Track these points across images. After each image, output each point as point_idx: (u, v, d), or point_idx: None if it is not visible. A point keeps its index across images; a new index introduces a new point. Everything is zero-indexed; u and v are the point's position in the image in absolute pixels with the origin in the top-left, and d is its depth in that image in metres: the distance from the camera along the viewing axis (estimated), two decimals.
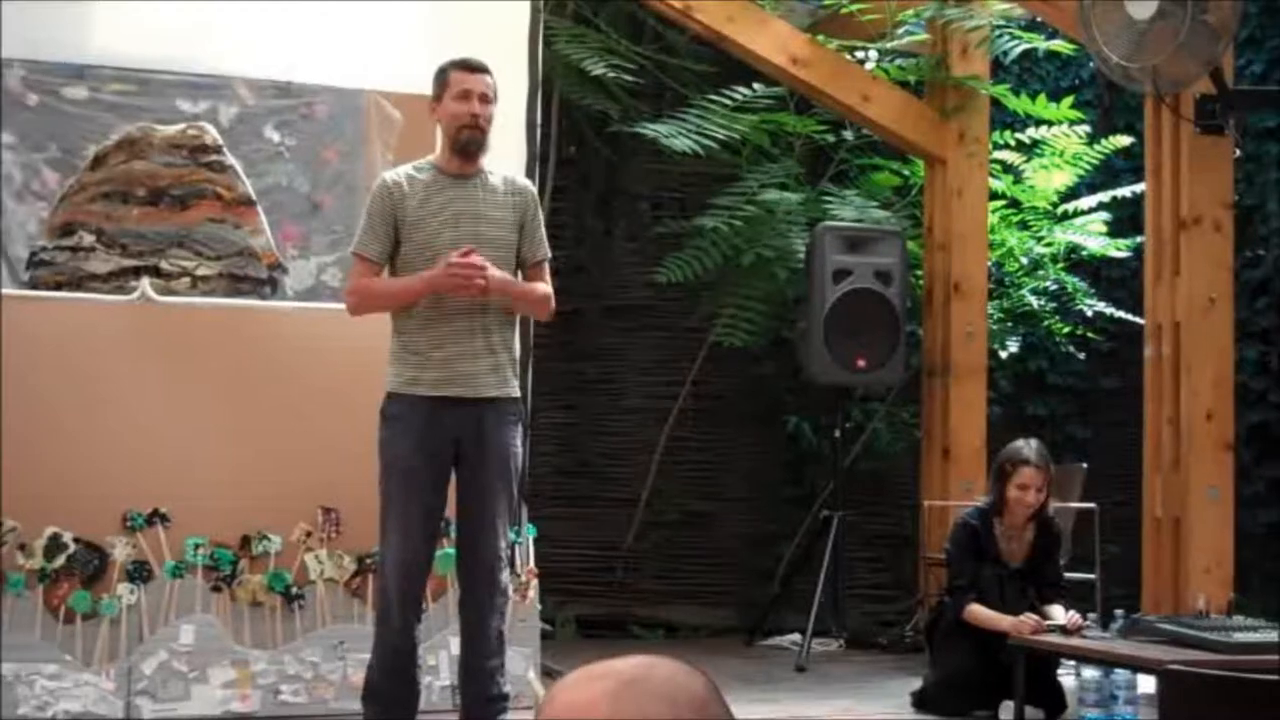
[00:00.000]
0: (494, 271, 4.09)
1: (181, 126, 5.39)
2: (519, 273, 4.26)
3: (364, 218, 4.25)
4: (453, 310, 4.10)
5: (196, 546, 4.91)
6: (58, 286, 5.09)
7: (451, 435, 4.10)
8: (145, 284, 5.06)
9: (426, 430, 4.08)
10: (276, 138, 5.86)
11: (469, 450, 4.12)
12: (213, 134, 5.39)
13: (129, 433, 4.93)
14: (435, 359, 4.10)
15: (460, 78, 4.19)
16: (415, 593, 4.14)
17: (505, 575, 4.22)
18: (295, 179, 5.88)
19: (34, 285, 5.11)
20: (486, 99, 4.19)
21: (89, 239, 5.17)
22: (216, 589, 4.91)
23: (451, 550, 5.10)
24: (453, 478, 4.19)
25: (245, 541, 4.98)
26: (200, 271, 5.22)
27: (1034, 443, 5.39)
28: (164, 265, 5.19)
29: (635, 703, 1.33)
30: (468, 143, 4.17)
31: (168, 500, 4.92)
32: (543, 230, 4.32)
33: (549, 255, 4.34)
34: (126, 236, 5.22)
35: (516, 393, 4.25)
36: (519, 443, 4.26)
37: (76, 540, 4.82)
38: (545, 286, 4.28)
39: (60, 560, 4.78)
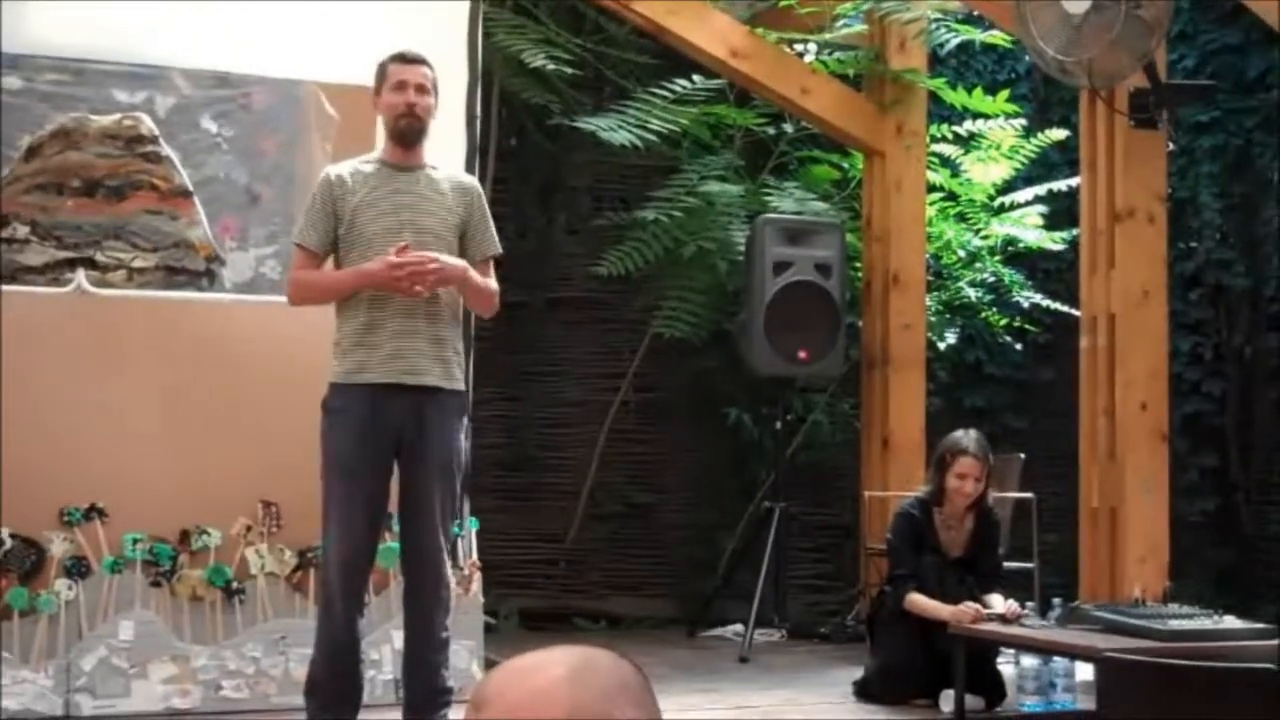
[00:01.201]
0: (452, 260, 4.11)
1: (117, 117, 5.33)
2: None
3: (305, 208, 4.28)
4: (396, 301, 4.09)
5: (135, 541, 4.87)
6: None
7: (393, 427, 4.08)
8: (81, 276, 5.01)
9: (368, 422, 4.06)
10: (214, 128, 5.81)
11: (410, 442, 4.11)
12: (149, 124, 5.34)
13: (65, 427, 4.88)
14: (380, 348, 4.09)
15: (396, 69, 4.24)
16: (358, 586, 4.13)
17: (448, 569, 4.21)
18: (233, 170, 5.82)
19: None
20: (424, 89, 4.23)
21: (23, 231, 5.10)
22: (156, 584, 4.87)
23: (395, 544, 5.09)
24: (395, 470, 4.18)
25: (184, 536, 4.94)
26: (137, 264, 5.17)
27: (974, 433, 5.43)
28: (100, 257, 5.14)
29: (594, 687, 1.34)
30: (405, 131, 4.21)
31: (105, 495, 4.87)
32: (492, 228, 4.33)
33: (499, 252, 4.35)
34: (61, 228, 5.16)
35: (461, 386, 4.25)
36: (461, 436, 4.25)
37: (13, 536, 4.76)
38: (493, 283, 4.30)
39: None
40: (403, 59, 4.26)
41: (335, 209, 4.17)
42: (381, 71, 4.28)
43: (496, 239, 4.34)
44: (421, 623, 4.14)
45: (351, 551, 4.08)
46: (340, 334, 4.16)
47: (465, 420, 4.29)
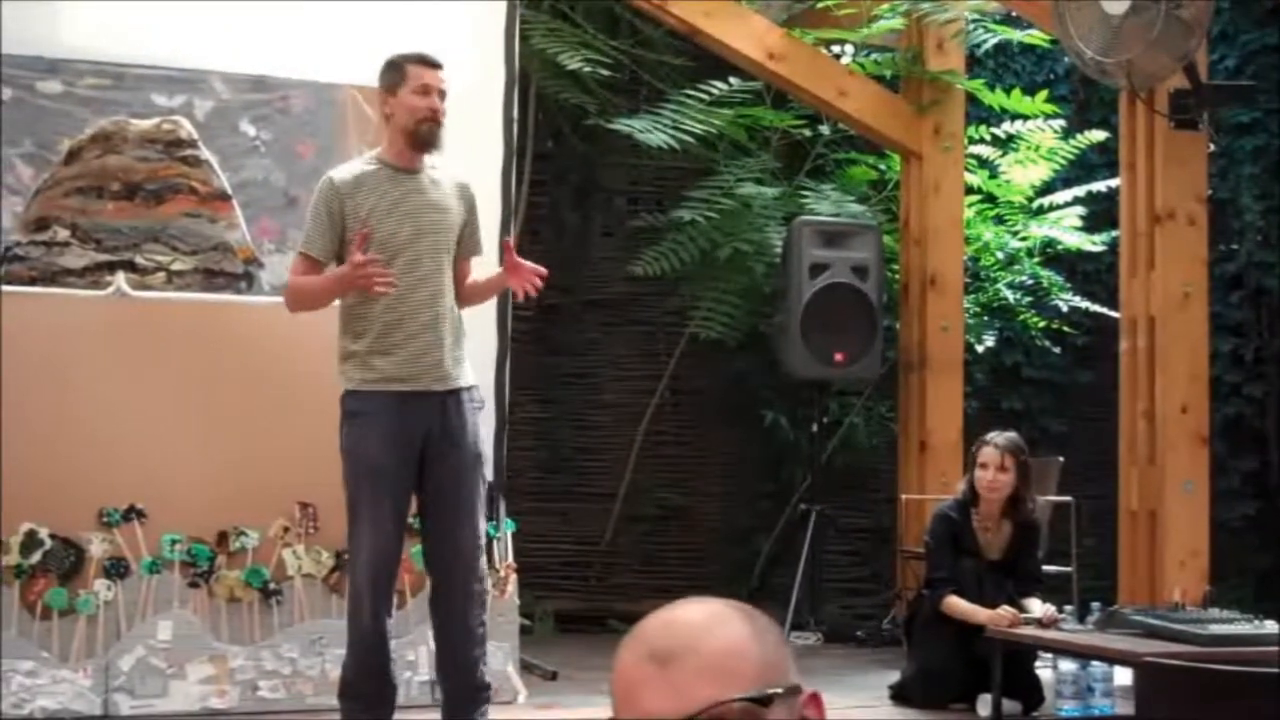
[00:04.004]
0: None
1: (156, 121, 5.36)
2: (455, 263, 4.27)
3: (309, 215, 4.19)
4: (413, 304, 4.09)
5: (173, 542, 4.89)
6: (32, 282, 5.06)
7: (418, 429, 4.06)
8: (120, 279, 5.04)
9: (393, 425, 4.05)
10: (252, 132, 5.84)
11: (436, 441, 4.09)
12: (188, 128, 5.37)
13: (105, 429, 4.91)
14: (399, 353, 4.07)
15: (419, 72, 4.16)
16: (387, 588, 4.11)
17: (482, 562, 4.20)
18: (271, 173, 5.85)
19: (8, 281, 5.08)
20: (444, 95, 4.19)
21: (63, 234, 5.14)
22: (194, 585, 4.90)
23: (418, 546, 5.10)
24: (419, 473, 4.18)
25: (222, 537, 4.96)
26: (175, 266, 5.20)
27: (1007, 432, 5.40)
28: (139, 260, 5.17)
29: (770, 639, 1.36)
30: (427, 136, 4.15)
31: (144, 496, 4.90)
32: (478, 226, 4.33)
33: (481, 251, 4.37)
34: (101, 231, 5.19)
35: (474, 379, 4.23)
36: (482, 428, 4.26)
37: (53, 537, 4.79)
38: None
39: (36, 557, 4.75)
40: (425, 62, 4.18)
41: (342, 214, 4.12)
42: (399, 71, 4.18)
43: (481, 240, 4.35)
44: (460, 620, 4.11)
45: (382, 551, 4.06)
46: (354, 342, 4.13)
47: (484, 413, 4.31)
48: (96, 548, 4.82)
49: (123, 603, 4.80)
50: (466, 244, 4.26)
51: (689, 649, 1.32)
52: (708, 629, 1.33)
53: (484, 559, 4.23)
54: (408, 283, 4.06)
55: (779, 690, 1.32)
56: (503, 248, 4.08)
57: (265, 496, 5.00)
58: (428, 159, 4.23)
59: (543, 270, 4.21)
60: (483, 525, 4.20)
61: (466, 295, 4.28)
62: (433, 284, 4.11)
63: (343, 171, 4.20)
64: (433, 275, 4.11)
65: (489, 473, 4.26)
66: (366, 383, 4.09)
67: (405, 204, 4.12)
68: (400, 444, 4.06)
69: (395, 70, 4.18)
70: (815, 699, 1.37)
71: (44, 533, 4.78)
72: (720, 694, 1.29)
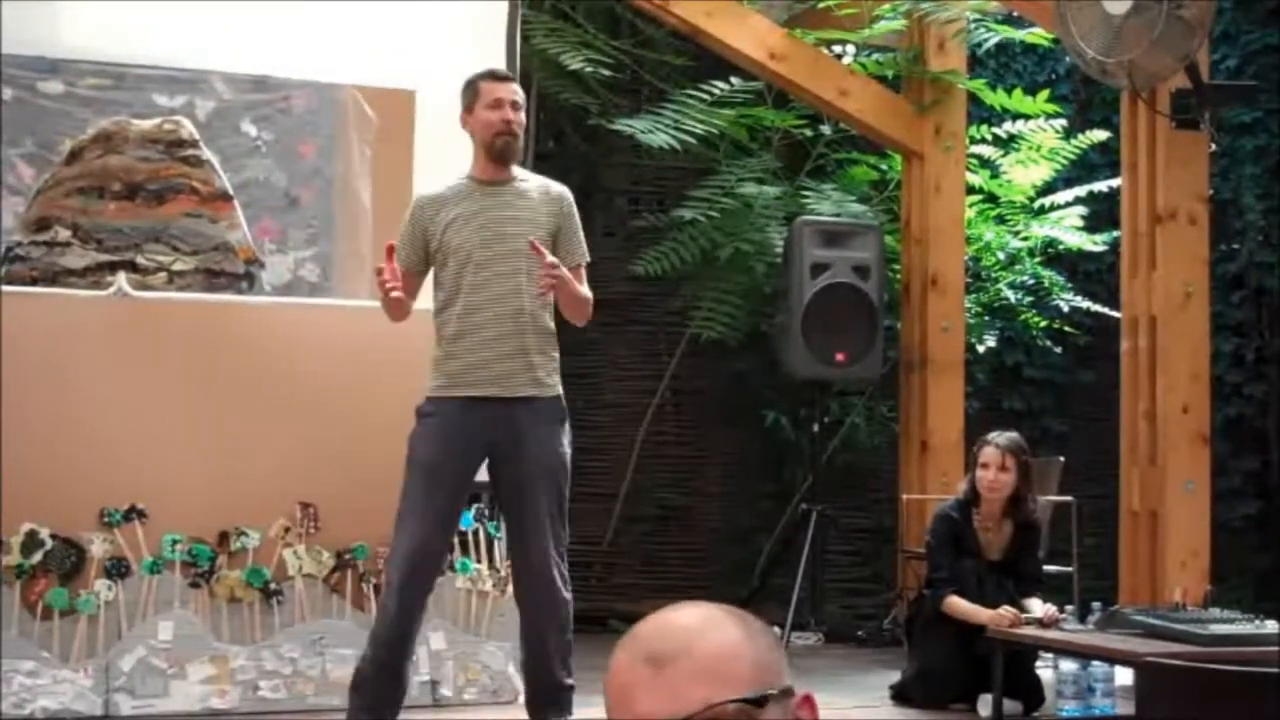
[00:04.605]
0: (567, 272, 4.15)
1: (157, 121, 5.36)
2: None
3: (400, 231, 4.34)
4: (487, 313, 4.15)
5: (174, 543, 4.89)
6: (33, 282, 5.06)
7: (484, 436, 4.13)
8: (121, 279, 5.04)
9: (457, 429, 4.13)
10: (253, 132, 5.84)
11: (507, 451, 4.15)
12: (189, 128, 5.37)
13: (106, 429, 4.91)
14: (467, 360, 4.15)
15: (491, 87, 4.28)
16: (421, 585, 4.13)
17: (558, 570, 4.18)
18: (272, 173, 5.86)
19: (9, 281, 5.08)
20: (517, 105, 4.29)
21: (65, 234, 5.14)
22: (195, 585, 4.90)
23: None
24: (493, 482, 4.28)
25: (223, 537, 4.96)
26: (177, 266, 5.20)
27: (1008, 432, 5.40)
28: (140, 260, 5.17)
29: (763, 640, 1.37)
30: (503, 148, 4.24)
31: (145, 496, 4.90)
32: (580, 235, 4.36)
33: (587, 259, 4.37)
34: (102, 231, 5.19)
35: (556, 391, 4.25)
36: (564, 441, 4.25)
37: (53, 537, 4.79)
38: (584, 290, 4.30)
39: (37, 557, 4.75)
40: (495, 76, 4.33)
41: (424, 228, 4.24)
42: (473, 89, 4.29)
43: (583, 246, 4.36)
44: (532, 625, 4.19)
45: (420, 548, 4.10)
46: (435, 348, 4.23)
47: (566, 425, 4.28)
48: (97, 548, 4.82)
49: (123, 603, 4.80)
50: (563, 253, 4.25)
51: (683, 651, 1.33)
52: (701, 632, 1.34)
53: (557, 567, 4.19)
54: (481, 292, 4.15)
55: (773, 691, 1.32)
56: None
57: (266, 496, 5.00)
58: (518, 170, 4.34)
59: (553, 262, 4.13)
60: (554, 535, 4.19)
61: (560, 305, 4.30)
62: (506, 294, 4.15)
63: (429, 189, 4.35)
64: (505, 285, 4.16)
65: (563, 480, 4.23)
66: (438, 388, 4.17)
67: (482, 216, 4.21)
68: (459, 447, 4.13)
69: (469, 89, 4.31)
70: (809, 700, 1.38)
71: (45, 533, 4.78)
72: (714, 696, 1.30)
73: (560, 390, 4.28)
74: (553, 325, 4.29)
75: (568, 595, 4.21)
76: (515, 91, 4.30)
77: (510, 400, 4.14)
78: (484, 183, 4.26)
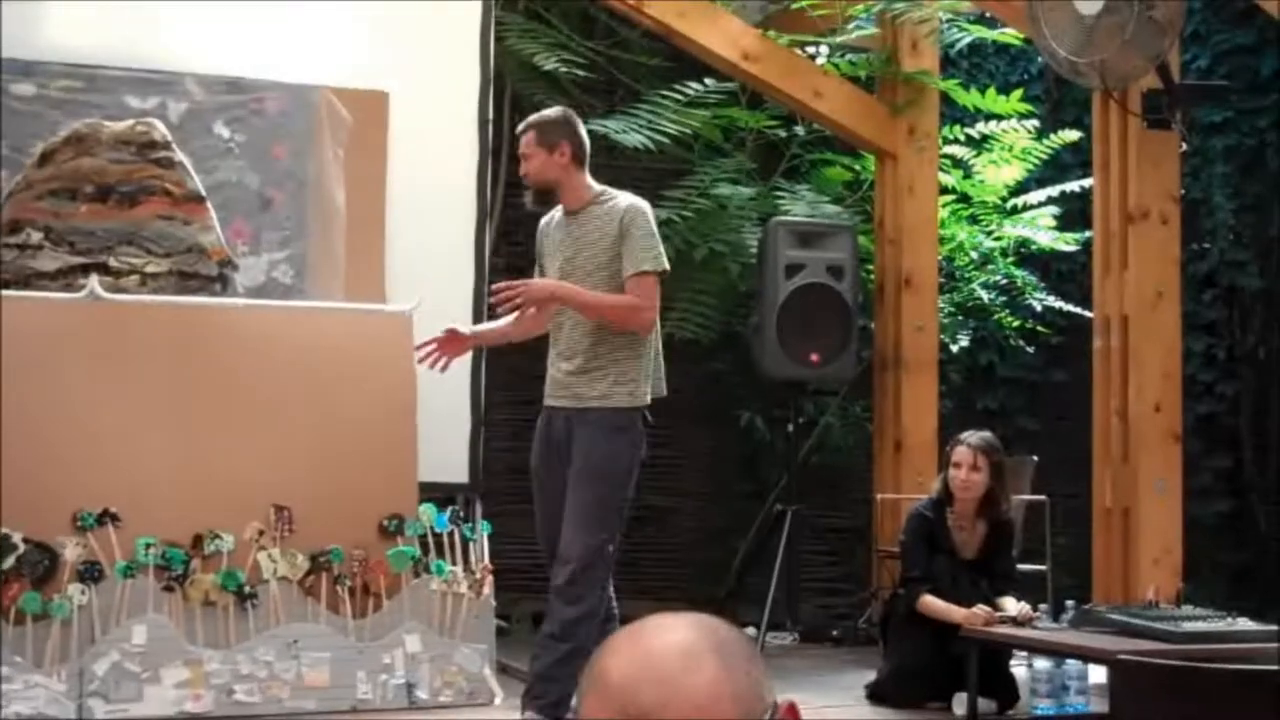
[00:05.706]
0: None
1: (130, 123, 5.34)
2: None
3: None
4: (555, 331, 4.58)
5: (148, 546, 4.87)
6: (5, 285, 5.04)
7: (555, 440, 4.51)
8: (94, 282, 5.02)
9: (542, 435, 4.58)
10: (226, 134, 5.82)
11: (563, 454, 4.49)
12: (161, 130, 5.35)
13: (78, 432, 4.89)
14: (548, 375, 4.59)
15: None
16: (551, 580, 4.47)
17: (575, 569, 4.39)
18: (245, 175, 5.84)
19: None
20: (525, 157, 4.58)
21: (37, 236, 5.12)
22: (169, 589, 4.87)
23: (405, 549, 5.10)
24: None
25: (197, 540, 4.94)
26: (149, 269, 5.18)
27: (981, 432, 5.42)
28: (113, 263, 5.15)
29: (741, 671, 1.31)
30: (535, 195, 4.62)
31: (118, 500, 4.87)
32: (635, 245, 4.48)
33: (639, 269, 4.47)
34: (75, 234, 5.17)
35: (608, 402, 4.45)
36: (612, 448, 4.44)
37: (26, 541, 4.77)
38: (628, 298, 4.45)
39: (10, 561, 4.73)
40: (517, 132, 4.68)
41: (540, 250, 4.70)
42: None
43: (641, 256, 4.47)
44: (547, 615, 4.49)
45: (544, 546, 4.58)
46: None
47: (623, 432, 4.46)
48: (70, 552, 4.80)
49: (97, 607, 4.77)
50: (622, 265, 4.49)
51: (660, 707, 1.26)
52: (678, 682, 1.27)
53: (574, 569, 4.39)
54: (558, 312, 4.54)
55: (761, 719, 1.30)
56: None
57: (240, 499, 4.99)
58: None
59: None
60: (582, 537, 4.39)
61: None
62: (566, 311, 4.51)
63: (548, 215, 4.71)
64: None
65: (596, 486, 4.45)
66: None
67: (558, 240, 4.59)
68: (545, 452, 4.56)
69: None
70: (792, 709, 1.36)
71: (17, 537, 4.75)
72: None
73: (615, 401, 4.49)
74: (611, 336, 4.47)
75: (581, 594, 4.43)
76: (523, 143, 4.60)
77: (567, 410, 4.54)
78: (566, 212, 4.61)
